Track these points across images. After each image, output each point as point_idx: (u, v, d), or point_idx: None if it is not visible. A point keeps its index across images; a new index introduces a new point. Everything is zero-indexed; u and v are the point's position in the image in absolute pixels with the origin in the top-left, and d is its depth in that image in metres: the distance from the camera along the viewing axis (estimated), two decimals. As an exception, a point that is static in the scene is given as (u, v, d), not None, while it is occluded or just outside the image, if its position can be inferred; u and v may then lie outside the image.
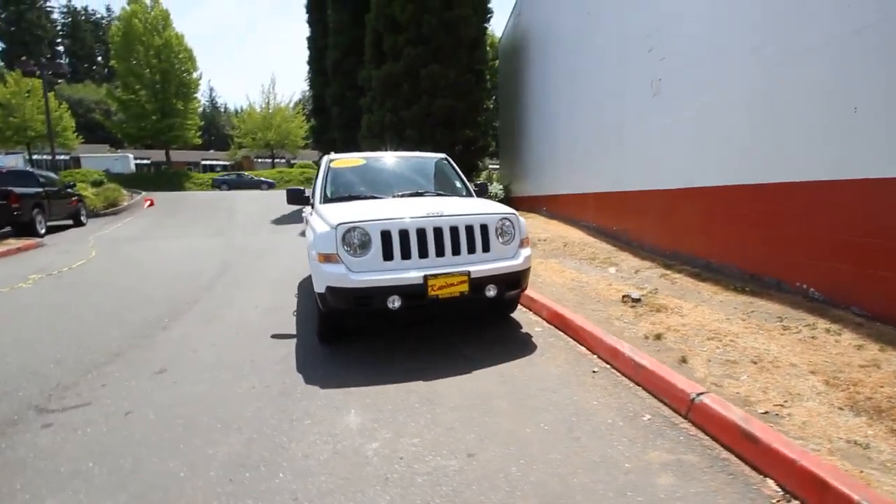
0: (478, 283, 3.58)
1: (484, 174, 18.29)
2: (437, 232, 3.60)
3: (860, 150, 3.75)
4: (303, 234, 7.09)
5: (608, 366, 3.37)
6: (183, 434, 2.63)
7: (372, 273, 3.46)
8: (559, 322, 4.20)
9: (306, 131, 41.32)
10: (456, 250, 3.64)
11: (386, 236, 3.52)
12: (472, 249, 3.69)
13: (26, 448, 2.55)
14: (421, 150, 12.95)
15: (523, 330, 4.24)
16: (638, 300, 4.61)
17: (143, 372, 3.54)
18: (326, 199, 4.57)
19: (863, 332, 3.40)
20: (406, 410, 2.82)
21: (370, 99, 14.20)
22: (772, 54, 4.57)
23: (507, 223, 3.90)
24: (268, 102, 36.92)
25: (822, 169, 4.06)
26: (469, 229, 3.70)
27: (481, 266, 3.62)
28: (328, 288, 3.49)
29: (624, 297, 4.73)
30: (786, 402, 2.63)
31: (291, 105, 38.81)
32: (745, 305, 4.21)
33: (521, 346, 3.85)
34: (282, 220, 15.65)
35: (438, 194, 4.78)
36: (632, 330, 3.82)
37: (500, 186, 15.30)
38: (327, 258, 3.54)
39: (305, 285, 6.12)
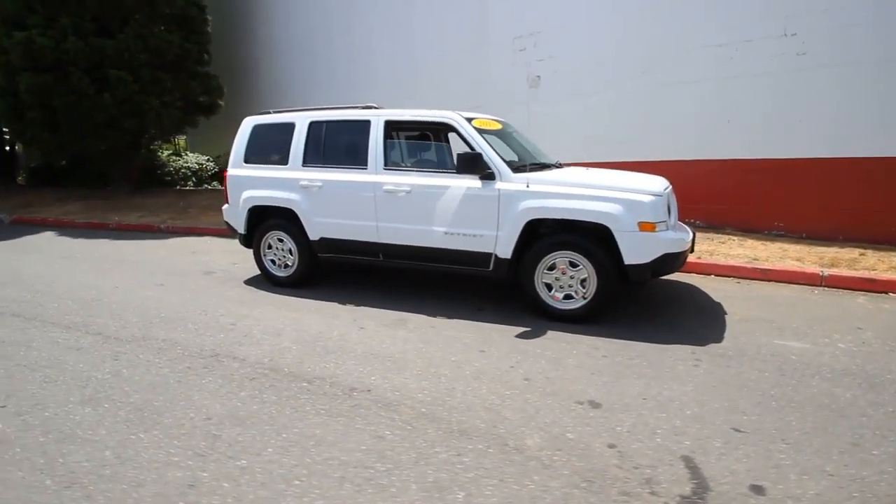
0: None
1: (183, 141, 14.48)
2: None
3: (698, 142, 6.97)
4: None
5: (731, 277, 5.13)
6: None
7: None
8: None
9: None
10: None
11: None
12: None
13: None
14: (139, 99, 9.49)
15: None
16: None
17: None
18: (516, 168, 3.94)
19: (759, 238, 6.58)
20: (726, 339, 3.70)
21: (19, 4, 8.96)
22: (651, 79, 7.24)
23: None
24: None
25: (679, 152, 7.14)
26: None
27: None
28: (666, 254, 3.56)
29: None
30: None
31: None
32: (680, 235, 6.83)
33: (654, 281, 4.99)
34: None
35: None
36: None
37: (208, 158, 12.75)
38: (654, 226, 3.56)
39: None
